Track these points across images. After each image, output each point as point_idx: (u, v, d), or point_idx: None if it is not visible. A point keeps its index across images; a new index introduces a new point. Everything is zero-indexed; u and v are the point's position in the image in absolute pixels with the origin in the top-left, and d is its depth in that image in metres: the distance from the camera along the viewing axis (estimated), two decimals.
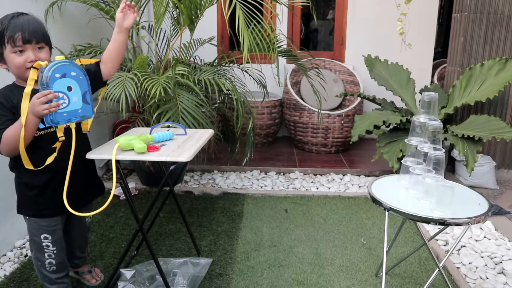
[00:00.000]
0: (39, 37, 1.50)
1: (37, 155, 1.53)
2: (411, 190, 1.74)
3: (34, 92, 1.41)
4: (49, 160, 1.52)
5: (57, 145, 1.50)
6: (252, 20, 2.64)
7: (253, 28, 2.73)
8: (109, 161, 1.65)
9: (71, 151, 1.51)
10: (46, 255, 1.70)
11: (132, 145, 1.66)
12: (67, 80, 1.44)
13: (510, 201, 3.04)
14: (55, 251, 1.71)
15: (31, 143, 1.50)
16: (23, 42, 1.46)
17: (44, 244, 1.69)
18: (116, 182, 1.60)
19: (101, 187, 1.89)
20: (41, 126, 1.53)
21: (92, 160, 1.73)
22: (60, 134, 1.49)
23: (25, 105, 1.40)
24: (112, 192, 1.66)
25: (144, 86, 2.42)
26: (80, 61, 1.57)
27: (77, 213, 1.52)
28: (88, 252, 2.10)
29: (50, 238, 1.69)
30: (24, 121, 1.40)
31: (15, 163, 1.60)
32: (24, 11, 1.61)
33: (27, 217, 1.69)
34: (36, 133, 1.53)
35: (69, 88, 1.45)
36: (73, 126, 1.51)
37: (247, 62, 2.48)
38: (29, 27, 1.48)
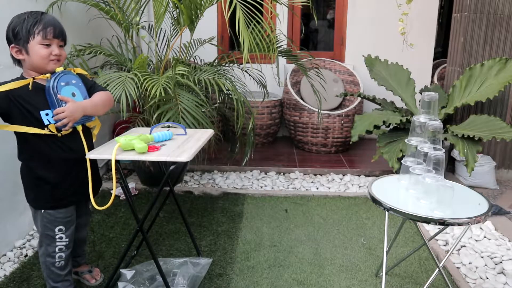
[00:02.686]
0: (64, 36, 1.66)
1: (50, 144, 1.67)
2: (411, 190, 1.74)
3: (42, 87, 1.61)
4: (51, 127, 1.64)
5: (63, 132, 1.67)
6: (252, 20, 2.64)
7: (253, 28, 2.73)
8: (109, 161, 1.66)
9: (85, 150, 1.70)
10: (57, 248, 1.74)
11: (132, 145, 1.67)
12: (70, 87, 1.65)
13: (510, 201, 3.05)
14: (67, 243, 1.76)
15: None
16: (53, 36, 1.60)
17: (57, 236, 1.73)
18: (116, 182, 1.61)
19: (100, 183, 1.96)
20: (53, 122, 1.63)
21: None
22: (79, 128, 1.71)
23: None
24: (113, 192, 1.67)
25: (145, 86, 2.42)
26: (74, 70, 1.74)
27: (96, 206, 1.68)
28: (86, 251, 2.10)
29: (64, 229, 1.74)
30: None
31: (27, 156, 1.69)
32: (24, 11, 1.63)
33: (42, 211, 1.71)
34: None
35: (73, 94, 1.66)
36: (80, 128, 1.71)
37: (247, 62, 2.48)
38: (59, 25, 1.64)
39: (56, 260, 1.75)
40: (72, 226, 1.77)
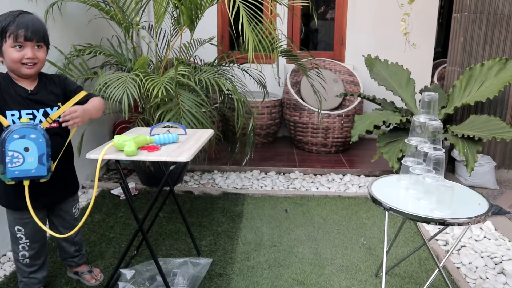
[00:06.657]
0: (39, 36, 1.59)
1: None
2: (411, 190, 1.74)
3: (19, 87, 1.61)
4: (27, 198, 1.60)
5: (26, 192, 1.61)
6: (253, 19, 2.64)
7: (253, 27, 2.73)
8: (109, 160, 1.65)
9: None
10: (20, 247, 1.76)
11: (123, 146, 1.63)
12: (25, 141, 1.54)
13: (510, 201, 3.05)
14: (28, 244, 1.76)
15: None
16: (24, 39, 1.55)
17: (18, 235, 1.75)
18: (116, 182, 1.61)
19: (76, 185, 1.93)
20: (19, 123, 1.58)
21: (70, 160, 1.82)
22: (26, 183, 1.59)
23: None
24: (93, 197, 1.65)
25: (146, 86, 2.42)
26: (47, 122, 1.65)
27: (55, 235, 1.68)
28: (84, 252, 2.09)
29: (23, 230, 1.74)
30: None
31: None
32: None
33: (5, 208, 1.74)
34: None
35: (26, 149, 1.54)
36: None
37: (253, 63, 2.48)
38: (33, 26, 1.56)
39: (20, 258, 1.78)
40: (32, 229, 1.75)
